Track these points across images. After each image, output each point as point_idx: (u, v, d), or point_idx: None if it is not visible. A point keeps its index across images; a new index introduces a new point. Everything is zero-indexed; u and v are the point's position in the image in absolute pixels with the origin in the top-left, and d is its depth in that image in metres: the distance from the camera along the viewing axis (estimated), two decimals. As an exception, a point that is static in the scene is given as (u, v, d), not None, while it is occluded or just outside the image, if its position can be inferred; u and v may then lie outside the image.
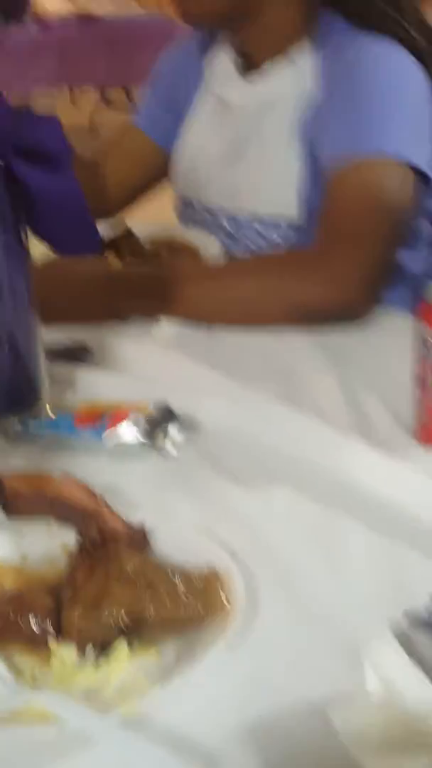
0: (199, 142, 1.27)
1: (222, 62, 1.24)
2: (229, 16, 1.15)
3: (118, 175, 1.36)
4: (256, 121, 1.18)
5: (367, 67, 1.09)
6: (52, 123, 0.76)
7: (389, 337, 0.96)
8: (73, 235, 0.80)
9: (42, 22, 4.17)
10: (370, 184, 1.05)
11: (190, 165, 1.29)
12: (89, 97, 5.28)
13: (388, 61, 1.09)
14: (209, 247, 1.19)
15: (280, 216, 1.17)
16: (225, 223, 1.23)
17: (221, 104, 1.23)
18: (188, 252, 1.19)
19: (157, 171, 1.36)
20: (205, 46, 1.27)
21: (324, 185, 1.08)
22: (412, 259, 1.17)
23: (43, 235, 0.80)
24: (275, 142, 1.16)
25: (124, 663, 0.56)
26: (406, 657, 0.52)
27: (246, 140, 1.20)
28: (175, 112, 1.32)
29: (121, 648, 0.56)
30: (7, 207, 0.75)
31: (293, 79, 1.15)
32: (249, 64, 1.21)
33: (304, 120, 1.14)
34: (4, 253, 0.78)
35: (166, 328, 1.01)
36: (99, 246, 0.88)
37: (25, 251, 0.80)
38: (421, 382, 0.75)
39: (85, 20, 4.47)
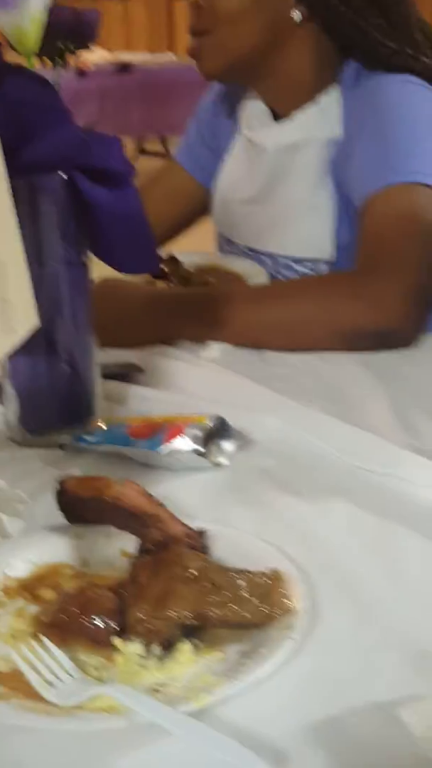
0: (232, 183, 1.31)
1: (254, 107, 1.28)
2: (243, 73, 1.21)
3: (158, 208, 1.38)
4: (286, 163, 1.22)
5: (388, 102, 1.14)
6: (114, 143, 0.78)
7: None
8: (133, 253, 0.82)
9: (81, 70, 4.29)
10: (406, 208, 1.07)
11: (224, 205, 1.32)
12: (126, 146, 5.38)
13: (408, 93, 1.14)
14: (255, 275, 1.21)
15: (316, 259, 1.19)
16: (265, 262, 1.25)
17: (253, 148, 1.27)
18: (234, 279, 1.21)
19: (196, 206, 1.40)
20: (240, 91, 1.31)
21: (357, 222, 1.11)
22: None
23: (103, 254, 0.82)
24: (305, 184, 1.20)
25: (190, 662, 0.56)
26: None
27: (276, 182, 1.23)
28: (214, 150, 1.36)
29: (185, 648, 0.57)
30: (71, 223, 0.78)
31: (320, 121, 1.19)
32: (277, 112, 1.25)
33: (332, 161, 1.17)
34: (66, 270, 0.80)
35: (214, 349, 1.03)
36: (158, 265, 0.90)
37: (85, 269, 0.82)
38: None
39: (122, 68, 4.59)
